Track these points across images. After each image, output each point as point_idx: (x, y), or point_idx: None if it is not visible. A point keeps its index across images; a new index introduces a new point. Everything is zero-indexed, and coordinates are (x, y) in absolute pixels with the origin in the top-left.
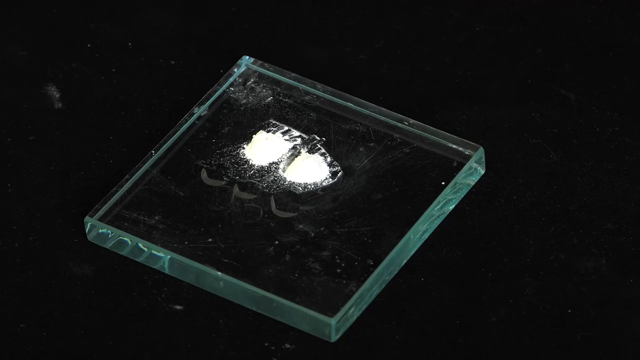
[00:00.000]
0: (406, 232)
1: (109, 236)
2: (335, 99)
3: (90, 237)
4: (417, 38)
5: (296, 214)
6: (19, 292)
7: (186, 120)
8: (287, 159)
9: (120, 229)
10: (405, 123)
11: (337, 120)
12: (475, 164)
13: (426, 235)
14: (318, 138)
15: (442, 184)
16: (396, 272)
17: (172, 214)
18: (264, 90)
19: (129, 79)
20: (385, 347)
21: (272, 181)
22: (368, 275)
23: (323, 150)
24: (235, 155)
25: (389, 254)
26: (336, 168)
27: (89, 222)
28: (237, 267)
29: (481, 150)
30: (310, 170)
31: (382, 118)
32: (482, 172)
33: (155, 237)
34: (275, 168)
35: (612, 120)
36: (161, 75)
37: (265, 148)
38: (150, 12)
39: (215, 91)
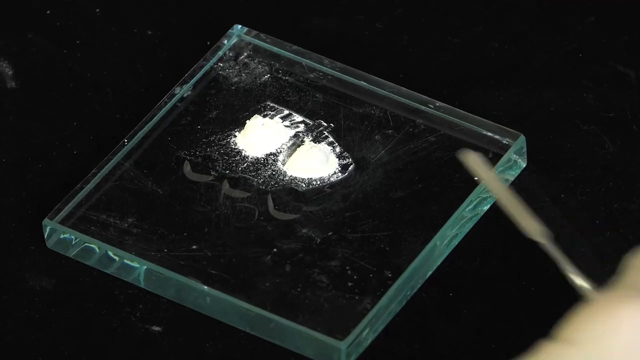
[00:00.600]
0: (431, 238)
1: (73, 242)
2: (345, 77)
3: (49, 243)
4: (444, 3)
5: (298, 215)
6: None
7: (166, 103)
8: (287, 149)
9: (86, 234)
10: (431, 106)
11: (348, 103)
12: (514, 156)
13: (455, 242)
14: (325, 124)
15: (474, 180)
16: (419, 285)
17: (149, 215)
18: (260, 66)
19: (96, 52)
20: None
21: (269, 176)
22: (385, 290)
23: (331, 139)
24: (225, 145)
25: (411, 264)
26: (347, 160)
27: (49, 225)
28: (227, 280)
29: (522, 138)
30: (316, 162)
31: (403, 100)
32: (524, 165)
33: (128, 243)
34: (274, 160)
35: None
36: (136, 49)
37: (261, 136)
38: None
39: (201, 67)
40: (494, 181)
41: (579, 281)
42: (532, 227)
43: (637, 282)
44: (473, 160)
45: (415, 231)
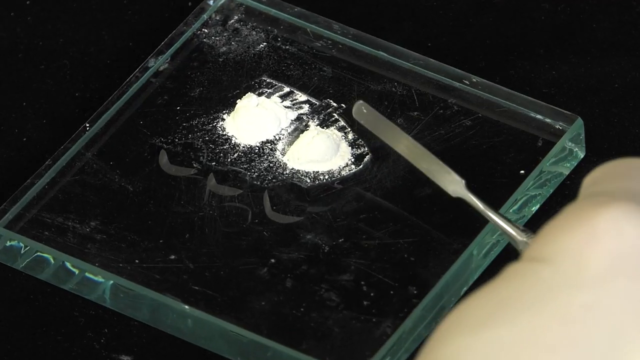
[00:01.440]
0: (467, 246)
1: (22, 251)
2: (360, 46)
3: None
4: None
5: (302, 218)
6: None
7: (137, 78)
8: (288, 135)
9: (38, 241)
10: (466, 82)
11: (363, 78)
12: (570, 144)
13: (497, 251)
14: (335, 104)
15: (521, 173)
16: (452, 305)
17: (117, 218)
18: (254, 32)
19: (50, 16)
20: None
21: (266, 169)
22: (410, 310)
23: (342, 123)
24: (210, 131)
25: (442, 279)
26: (362, 149)
27: None
28: (213, 298)
29: (579, 122)
30: (323, 152)
31: (431, 75)
32: (582, 155)
33: (91, 252)
34: (271, 150)
35: None
36: (99, 11)
37: (255, 120)
38: None
39: (181, 34)
40: (398, 135)
41: (511, 230)
42: (452, 181)
43: (607, 189)
44: (364, 113)
45: (447, 238)
